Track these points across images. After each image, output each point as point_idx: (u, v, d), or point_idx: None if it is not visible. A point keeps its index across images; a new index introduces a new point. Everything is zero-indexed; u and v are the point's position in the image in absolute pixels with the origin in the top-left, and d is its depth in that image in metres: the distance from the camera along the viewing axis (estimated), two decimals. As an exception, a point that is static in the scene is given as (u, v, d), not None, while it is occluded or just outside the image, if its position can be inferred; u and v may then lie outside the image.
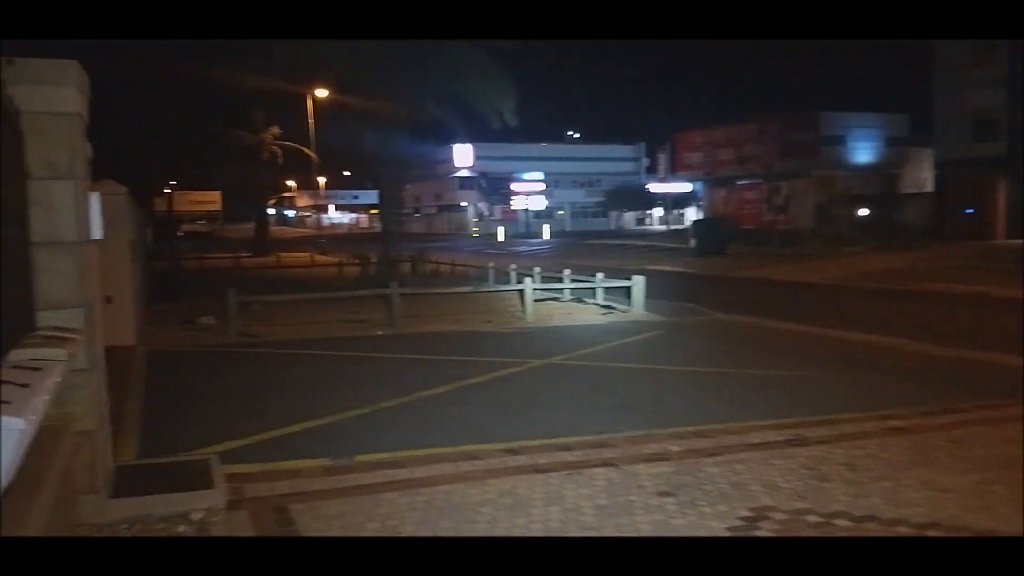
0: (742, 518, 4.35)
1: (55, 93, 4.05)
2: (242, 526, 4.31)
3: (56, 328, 3.95)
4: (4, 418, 2.46)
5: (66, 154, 4.09)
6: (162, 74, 24.64)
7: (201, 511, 4.48)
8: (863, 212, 38.61)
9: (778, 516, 4.37)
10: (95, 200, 4.56)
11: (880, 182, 43.48)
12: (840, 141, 43.25)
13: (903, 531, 4.15)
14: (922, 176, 42.30)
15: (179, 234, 46.43)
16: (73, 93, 4.12)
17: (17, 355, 3.29)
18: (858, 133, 43.55)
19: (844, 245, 32.55)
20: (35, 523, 2.77)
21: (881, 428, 6.24)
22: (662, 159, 65.56)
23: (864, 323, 12.59)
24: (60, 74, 4.07)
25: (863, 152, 43.62)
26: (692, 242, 33.32)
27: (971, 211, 33.97)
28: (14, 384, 2.83)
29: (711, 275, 24.79)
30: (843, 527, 4.21)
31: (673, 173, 59.64)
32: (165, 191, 43.31)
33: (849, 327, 12.17)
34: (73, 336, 3.82)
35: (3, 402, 2.57)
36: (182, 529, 4.29)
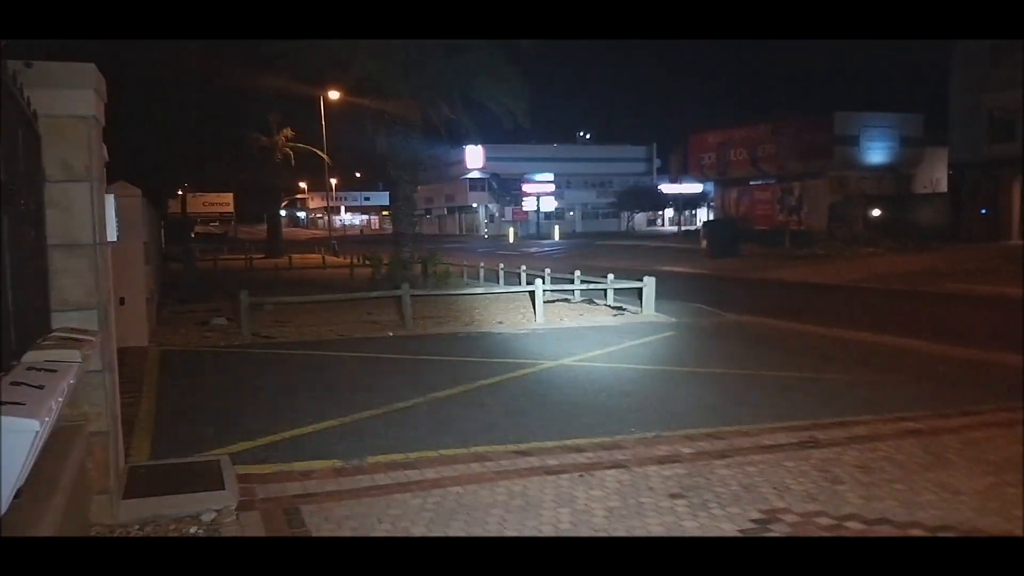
0: (754, 520, 4.33)
1: (73, 96, 4.08)
2: (253, 527, 4.33)
3: (71, 330, 3.99)
4: (19, 419, 2.48)
5: (83, 157, 4.12)
6: (176, 76, 24.78)
7: (212, 512, 4.51)
8: (877, 213, 38.36)
9: (790, 518, 4.35)
10: (111, 202, 4.60)
11: (895, 182, 43.18)
12: (854, 141, 42.90)
13: (916, 534, 4.13)
14: (937, 176, 41.97)
15: (192, 235, 46.68)
16: (90, 96, 4.14)
17: (33, 356, 3.31)
18: (872, 133, 43.17)
19: (859, 246, 32.33)
20: (49, 524, 2.78)
21: (895, 430, 6.21)
22: (674, 160, 65.43)
23: (881, 325, 12.51)
24: (78, 77, 4.11)
25: (878, 152, 43.25)
26: (704, 243, 33.10)
27: (987, 212, 33.69)
28: (29, 385, 2.85)
29: (724, 276, 24.68)
30: (855, 530, 4.19)
31: (685, 174, 59.47)
32: (179, 192, 43.59)
33: (865, 329, 12.10)
34: (88, 338, 3.85)
35: (18, 403, 2.59)
36: (194, 530, 4.32)
